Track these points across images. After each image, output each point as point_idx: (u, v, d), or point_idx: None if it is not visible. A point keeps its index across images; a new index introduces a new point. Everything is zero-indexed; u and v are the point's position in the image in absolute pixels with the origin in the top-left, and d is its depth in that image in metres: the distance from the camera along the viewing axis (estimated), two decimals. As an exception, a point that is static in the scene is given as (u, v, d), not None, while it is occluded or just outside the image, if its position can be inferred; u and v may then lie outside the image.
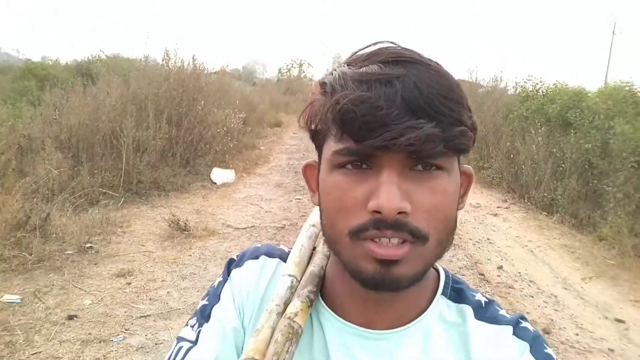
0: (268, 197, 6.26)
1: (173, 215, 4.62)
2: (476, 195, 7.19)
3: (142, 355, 2.63)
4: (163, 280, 3.57)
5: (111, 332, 2.82)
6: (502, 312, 0.57)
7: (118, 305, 3.17)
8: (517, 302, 3.79)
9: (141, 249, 4.17)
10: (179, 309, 3.16)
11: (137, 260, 3.92)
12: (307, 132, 0.54)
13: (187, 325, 0.58)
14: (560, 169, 6.68)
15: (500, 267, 4.45)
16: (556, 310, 3.71)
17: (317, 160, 0.55)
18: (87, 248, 4.02)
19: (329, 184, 0.49)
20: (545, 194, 6.55)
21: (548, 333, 3.31)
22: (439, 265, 0.59)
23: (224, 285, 0.61)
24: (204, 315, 0.58)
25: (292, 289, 0.55)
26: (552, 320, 3.53)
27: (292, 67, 37.64)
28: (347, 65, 0.48)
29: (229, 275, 0.62)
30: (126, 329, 2.87)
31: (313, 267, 0.58)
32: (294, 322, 0.51)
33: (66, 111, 6.63)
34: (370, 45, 0.50)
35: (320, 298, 0.58)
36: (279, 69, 37.51)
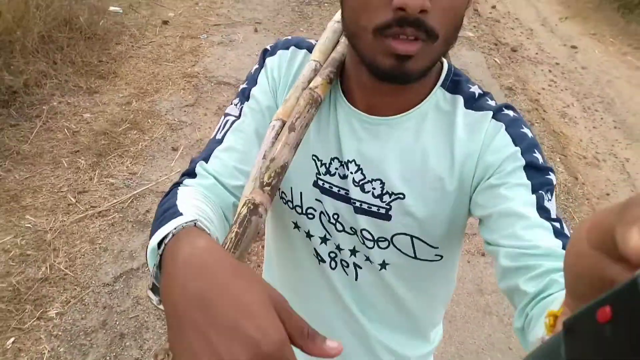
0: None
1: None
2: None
3: (222, 46, 3.81)
4: (222, 3, 4.55)
5: (197, 32, 3.96)
6: (492, 102, 0.63)
7: (194, 17, 4.23)
8: (498, 31, 4.81)
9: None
10: (239, 20, 4.24)
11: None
12: None
13: (231, 103, 0.69)
14: None
15: (493, 7, 5.33)
16: (527, 38, 4.76)
17: None
18: None
19: None
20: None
21: (515, 51, 4.43)
22: (444, 59, 0.64)
23: (260, 71, 0.70)
24: (245, 96, 0.68)
25: (316, 71, 0.64)
26: (522, 43, 4.61)
27: None
28: None
29: (264, 63, 0.70)
30: (206, 32, 4.00)
31: (335, 54, 0.66)
32: (314, 91, 0.60)
33: None
34: None
35: (339, 84, 0.66)
36: None
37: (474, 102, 0.62)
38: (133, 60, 3.49)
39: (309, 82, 0.63)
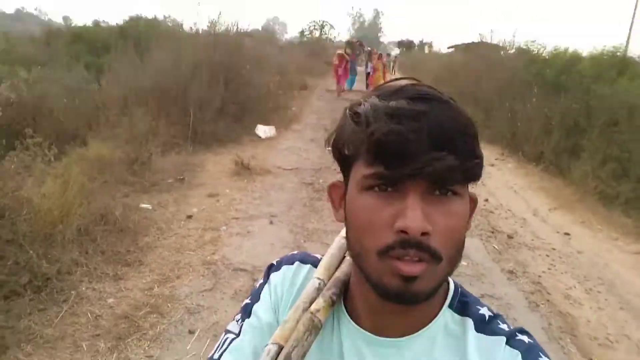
0: (305, 148, 7.71)
1: (238, 157, 6.11)
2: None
3: (240, 237, 4.16)
4: (241, 200, 5.09)
5: (217, 225, 4.35)
6: (503, 325, 0.61)
7: (215, 212, 4.70)
8: (493, 221, 5.21)
9: (219, 181, 5.68)
10: (256, 214, 4.68)
11: (218, 187, 5.44)
12: (332, 152, 0.60)
13: (233, 319, 0.71)
14: (550, 126, 7.91)
15: (486, 200, 5.86)
16: (522, 227, 5.13)
17: (342, 181, 0.61)
18: (181, 179, 5.55)
19: (358, 204, 0.55)
20: (535, 148, 7.84)
21: (511, 237, 4.74)
22: (450, 277, 0.63)
23: (263, 287, 0.72)
24: (246, 312, 0.70)
25: (319, 290, 0.64)
26: (517, 231, 4.95)
27: (314, 28, 38.44)
28: (377, 97, 0.54)
29: (268, 278, 0.72)
30: (226, 224, 4.41)
31: (339, 274, 0.67)
32: (315, 316, 0.60)
33: (139, 75, 8.06)
34: (394, 80, 0.58)
35: (342, 303, 0.65)
36: (302, 31, 38.37)
37: (485, 326, 0.61)
38: (158, 249, 3.79)
39: (311, 302, 0.63)
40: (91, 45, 15.44)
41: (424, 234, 0.50)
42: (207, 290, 3.26)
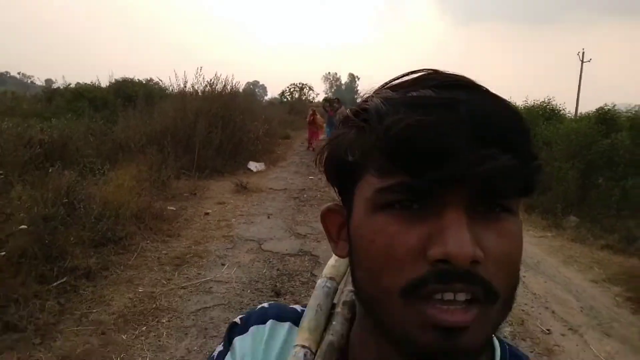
0: (290, 177, 9.28)
1: (238, 180, 7.63)
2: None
3: (246, 225, 5.61)
4: (243, 206, 6.57)
5: (228, 218, 5.81)
6: None
7: (225, 212, 6.16)
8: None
9: (223, 196, 7.16)
10: (256, 213, 6.16)
11: (224, 199, 6.92)
12: (326, 171, 0.44)
13: None
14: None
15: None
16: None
17: (341, 205, 0.44)
18: (194, 193, 7.02)
19: (372, 228, 0.38)
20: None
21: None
22: None
23: (224, 358, 0.51)
24: None
25: None
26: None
27: (294, 90, 41.21)
28: (390, 90, 0.40)
29: (229, 344, 0.52)
30: (235, 218, 5.86)
31: (332, 336, 0.48)
32: None
33: (149, 121, 9.66)
34: (408, 74, 0.41)
35: None
36: (282, 92, 41.01)
37: None
38: (189, 230, 5.23)
39: None
40: (91, 101, 17.16)
41: (473, 262, 0.34)
42: (229, 248, 4.69)
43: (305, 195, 7.44)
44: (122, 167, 7.25)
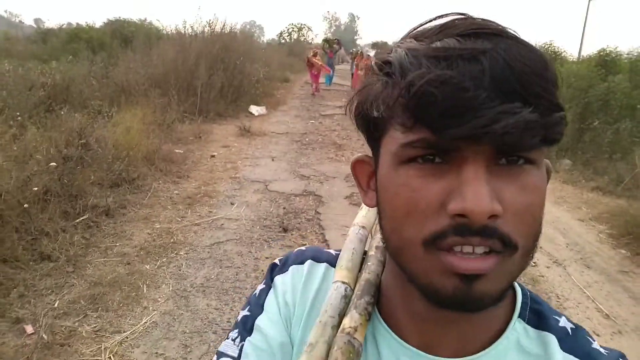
0: (292, 122, 9.41)
1: (241, 124, 7.77)
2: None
3: (251, 167, 5.83)
4: (247, 149, 6.77)
5: (234, 161, 6.02)
6: (595, 344, 0.47)
7: (230, 155, 6.36)
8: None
9: (227, 140, 7.33)
10: (260, 156, 6.36)
11: (228, 142, 7.10)
12: (356, 121, 0.45)
13: (227, 338, 0.53)
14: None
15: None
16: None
17: (370, 156, 0.46)
18: (199, 137, 7.18)
19: (396, 182, 0.40)
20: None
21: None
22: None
23: (267, 294, 0.55)
24: (246, 328, 0.52)
25: (347, 299, 0.49)
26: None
27: (292, 30, 40.24)
28: (414, 39, 0.40)
29: (272, 282, 0.55)
30: (240, 161, 6.07)
31: (368, 275, 0.51)
32: (354, 338, 0.45)
33: (149, 64, 9.63)
34: (436, 18, 0.41)
35: (376, 311, 0.50)
36: (280, 33, 40.14)
37: (572, 343, 0.46)
38: (197, 171, 5.46)
39: (340, 315, 0.48)
40: (88, 43, 16.88)
41: (492, 216, 0.35)
42: (236, 189, 4.93)
43: (307, 139, 7.62)
44: (127, 110, 7.37)
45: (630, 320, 3.00)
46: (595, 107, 7.46)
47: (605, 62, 8.56)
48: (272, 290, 0.55)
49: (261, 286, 0.57)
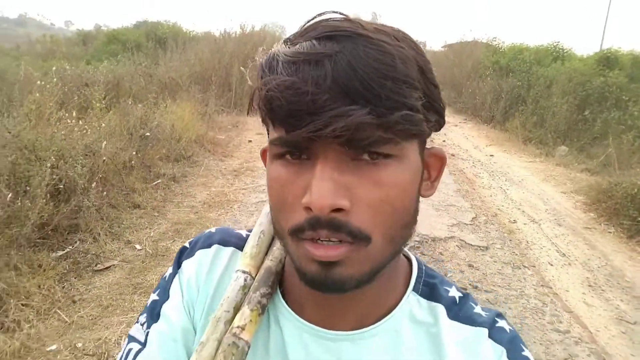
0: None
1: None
2: (448, 118, 11.23)
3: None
4: (278, 136, 7.77)
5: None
6: (477, 309, 0.53)
7: (265, 140, 7.36)
8: (446, 150, 7.89)
9: (260, 129, 8.33)
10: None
11: (262, 130, 7.97)
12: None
13: (137, 322, 0.55)
14: (500, 98, 10.60)
15: (444, 141, 8.54)
16: (462, 152, 7.80)
17: None
18: (236, 126, 8.24)
19: (271, 175, 0.44)
20: (488, 113, 10.54)
21: (453, 156, 7.40)
22: (412, 254, 0.55)
23: (173, 279, 0.56)
24: (153, 314, 0.54)
25: (245, 289, 0.50)
26: (458, 153, 7.62)
27: (315, 30, 41.41)
28: (285, 42, 0.43)
29: (179, 267, 0.57)
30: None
31: (270, 262, 0.52)
32: (239, 338, 0.45)
33: (188, 63, 10.75)
34: (315, 17, 0.44)
35: (279, 293, 0.53)
36: (304, 33, 41.24)
37: (458, 311, 0.52)
38: (239, 152, 6.51)
39: (236, 309, 0.48)
40: (125, 44, 18.26)
41: (336, 210, 0.39)
42: (272, 166, 5.94)
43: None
44: (174, 104, 8.48)
45: (580, 257, 3.88)
46: (593, 99, 8.25)
47: (608, 59, 9.28)
48: (177, 276, 0.56)
49: (169, 270, 0.58)
